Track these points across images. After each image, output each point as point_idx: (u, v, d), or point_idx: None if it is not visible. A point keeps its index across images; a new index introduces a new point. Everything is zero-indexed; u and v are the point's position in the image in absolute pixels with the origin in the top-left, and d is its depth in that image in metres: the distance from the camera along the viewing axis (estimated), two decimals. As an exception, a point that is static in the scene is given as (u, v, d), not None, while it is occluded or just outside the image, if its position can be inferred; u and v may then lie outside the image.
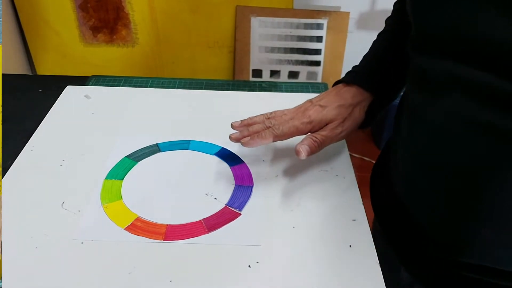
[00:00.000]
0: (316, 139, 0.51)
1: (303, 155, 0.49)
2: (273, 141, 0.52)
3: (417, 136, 0.45)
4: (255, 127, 0.52)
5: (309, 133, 0.52)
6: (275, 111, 0.55)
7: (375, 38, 0.59)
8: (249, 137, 0.51)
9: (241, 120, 0.55)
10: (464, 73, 0.36)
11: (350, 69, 0.58)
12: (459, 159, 0.40)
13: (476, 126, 0.37)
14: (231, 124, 0.55)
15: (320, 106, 0.53)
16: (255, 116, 0.55)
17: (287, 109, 0.54)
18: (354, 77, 0.55)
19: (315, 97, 0.55)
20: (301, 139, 0.51)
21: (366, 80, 0.55)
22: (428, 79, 0.41)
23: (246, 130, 0.53)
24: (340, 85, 0.56)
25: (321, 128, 0.52)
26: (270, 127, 0.52)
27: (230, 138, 0.53)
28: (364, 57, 0.58)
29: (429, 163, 0.44)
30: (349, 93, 0.54)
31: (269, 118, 0.53)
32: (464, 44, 0.36)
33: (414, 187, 0.47)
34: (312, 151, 0.50)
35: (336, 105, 0.53)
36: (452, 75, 0.38)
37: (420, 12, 0.40)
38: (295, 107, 0.54)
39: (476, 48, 0.35)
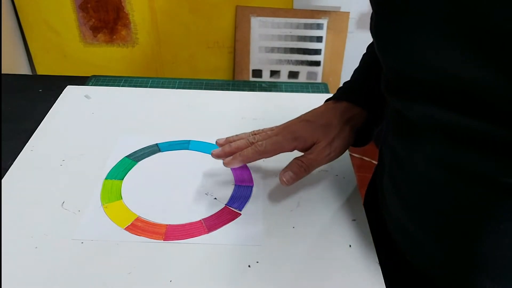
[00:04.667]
0: (303, 163, 0.48)
1: (286, 184, 0.47)
2: (257, 159, 0.49)
3: (400, 181, 0.42)
4: (238, 143, 0.50)
5: (295, 157, 0.50)
6: (264, 128, 0.53)
7: (365, 50, 0.57)
8: (231, 157, 0.49)
9: (226, 138, 0.53)
10: (440, 115, 0.34)
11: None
12: (445, 207, 0.38)
13: (459, 173, 0.35)
14: (216, 141, 0.53)
15: (307, 121, 0.50)
16: (242, 133, 0.53)
17: (276, 126, 0.52)
18: (343, 93, 0.53)
19: (304, 113, 0.53)
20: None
21: (355, 95, 0.52)
22: (405, 123, 0.39)
23: (228, 146, 0.51)
24: (330, 102, 0.54)
25: (307, 147, 0.49)
26: (253, 142, 0.50)
27: (212, 154, 0.51)
28: (354, 71, 0.56)
29: (414, 208, 0.42)
30: (339, 110, 0.51)
31: (254, 134, 0.52)
32: (430, 84, 0.34)
33: (404, 230, 0.45)
34: (298, 177, 0.48)
35: (324, 122, 0.50)
36: (430, 119, 0.35)
37: (384, 52, 0.38)
38: (284, 123, 0.52)
39: (448, 89, 0.33)
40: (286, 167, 0.49)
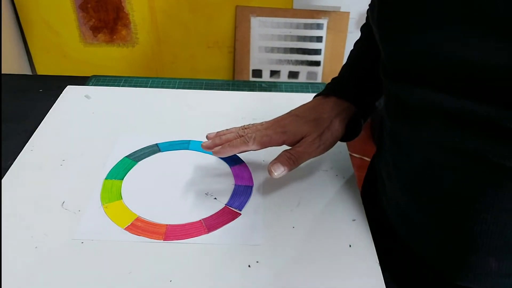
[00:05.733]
0: (292, 156, 0.48)
1: (275, 174, 0.47)
2: (246, 151, 0.50)
3: (400, 164, 0.43)
4: (228, 136, 0.51)
5: (284, 150, 0.50)
6: (254, 123, 0.53)
7: (352, 48, 0.58)
8: (220, 147, 0.50)
9: (216, 132, 0.54)
10: (441, 100, 0.35)
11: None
12: (448, 188, 0.39)
13: (460, 155, 0.36)
14: (206, 136, 0.54)
15: (297, 116, 0.51)
16: (232, 127, 0.54)
17: (266, 121, 0.53)
18: (331, 89, 0.54)
19: (294, 108, 0.53)
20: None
21: (343, 90, 0.53)
22: (404, 108, 0.40)
23: (218, 139, 0.52)
24: (319, 97, 0.54)
25: (296, 141, 0.50)
26: (243, 136, 0.50)
27: (202, 146, 0.52)
28: (342, 67, 0.57)
29: (414, 191, 0.42)
30: (328, 105, 0.52)
31: (244, 129, 0.52)
32: (435, 70, 0.34)
33: (404, 216, 0.45)
34: (286, 169, 0.48)
35: (313, 117, 0.51)
36: (429, 102, 0.36)
37: (387, 40, 0.39)
38: (274, 118, 0.53)
39: (448, 73, 0.33)
40: (275, 159, 0.49)
